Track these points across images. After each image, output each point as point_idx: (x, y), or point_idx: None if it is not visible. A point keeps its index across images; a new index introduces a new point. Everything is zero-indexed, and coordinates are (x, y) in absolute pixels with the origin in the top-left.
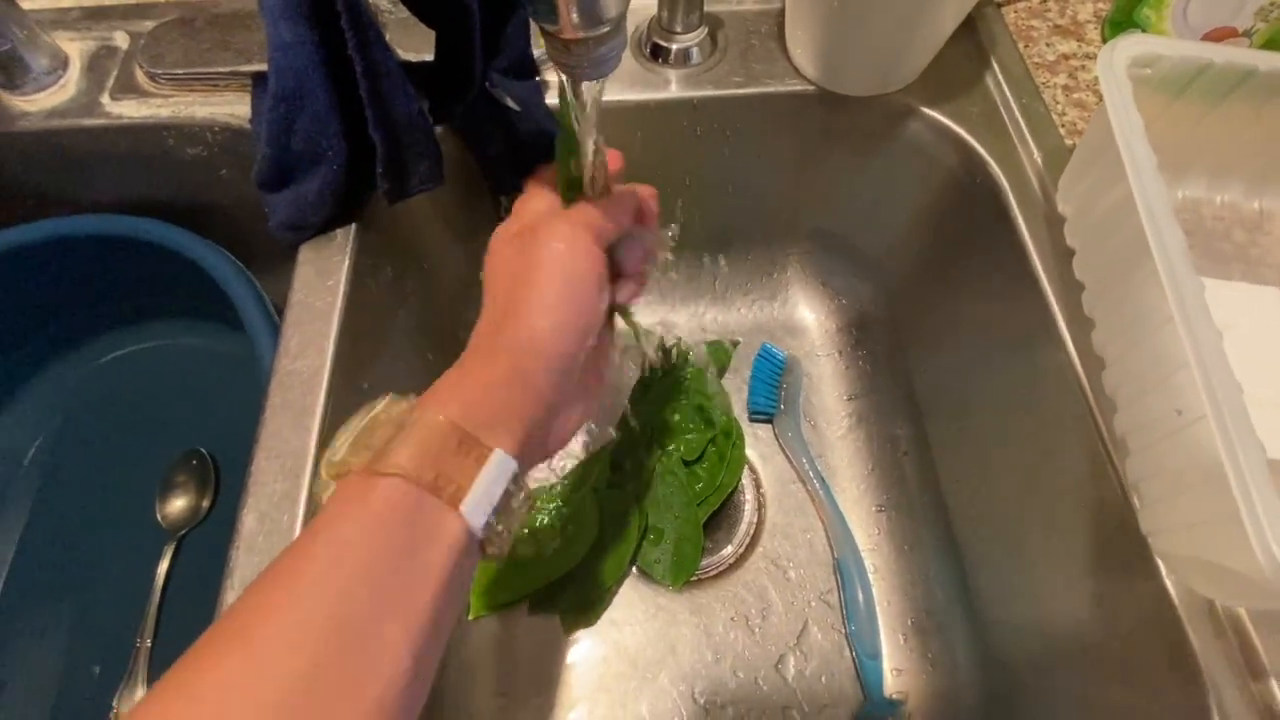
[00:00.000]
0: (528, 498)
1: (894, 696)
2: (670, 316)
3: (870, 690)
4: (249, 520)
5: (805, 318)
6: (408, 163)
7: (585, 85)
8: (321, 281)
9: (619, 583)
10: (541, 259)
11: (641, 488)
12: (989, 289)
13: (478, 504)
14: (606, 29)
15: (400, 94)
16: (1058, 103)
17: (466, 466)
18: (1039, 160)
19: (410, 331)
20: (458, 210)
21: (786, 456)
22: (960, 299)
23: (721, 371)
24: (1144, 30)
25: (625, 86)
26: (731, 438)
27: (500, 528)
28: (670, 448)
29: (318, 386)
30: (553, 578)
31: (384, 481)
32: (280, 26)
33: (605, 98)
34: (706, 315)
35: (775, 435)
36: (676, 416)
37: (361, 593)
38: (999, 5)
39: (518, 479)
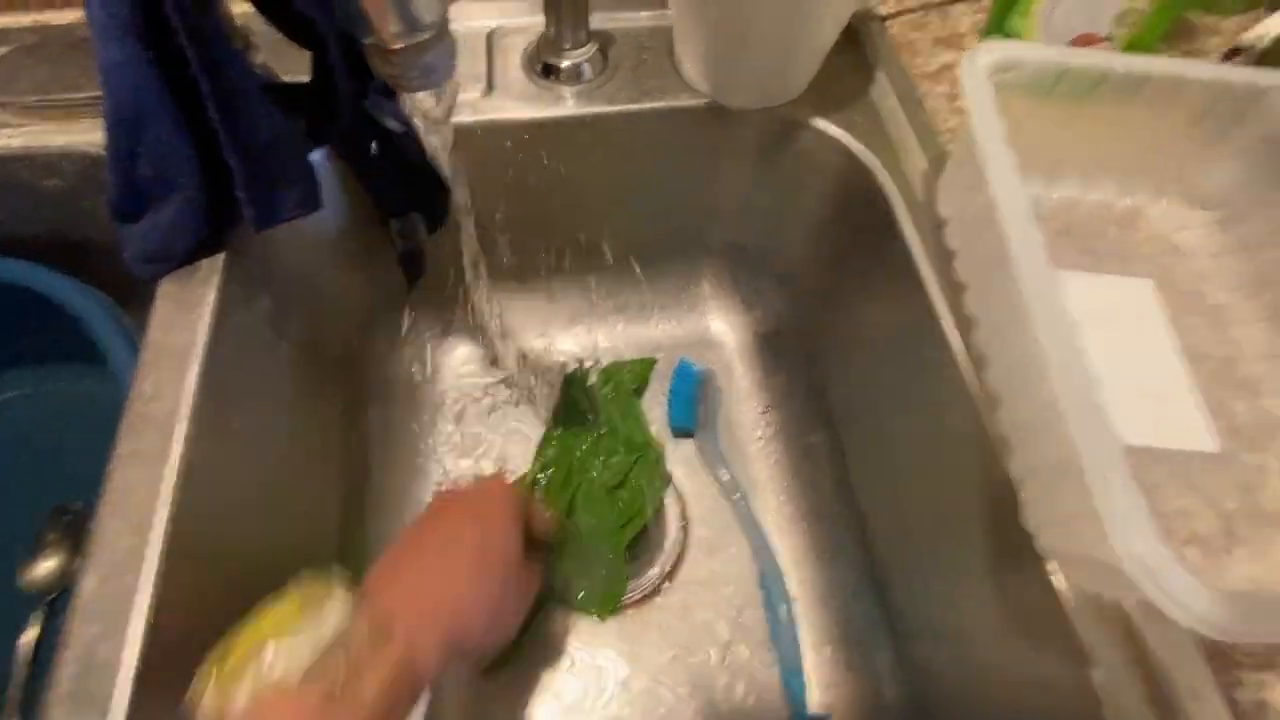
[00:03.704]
0: None
1: (818, 712)
2: (588, 337)
3: (795, 707)
4: (89, 583)
5: (721, 331)
6: (275, 188)
7: (422, 97)
8: (183, 317)
9: (534, 618)
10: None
11: (561, 518)
12: (884, 293)
13: None
14: (427, 35)
15: (261, 116)
16: (940, 111)
17: (408, 704)
18: (923, 166)
19: (296, 363)
20: (352, 234)
21: (709, 471)
22: (862, 305)
23: (641, 389)
24: (1016, 37)
25: (520, 104)
26: (652, 458)
27: None
28: (592, 475)
29: (172, 432)
30: None
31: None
32: (109, 45)
33: (498, 115)
34: (625, 333)
35: (697, 450)
36: (596, 442)
37: None
38: (883, 19)
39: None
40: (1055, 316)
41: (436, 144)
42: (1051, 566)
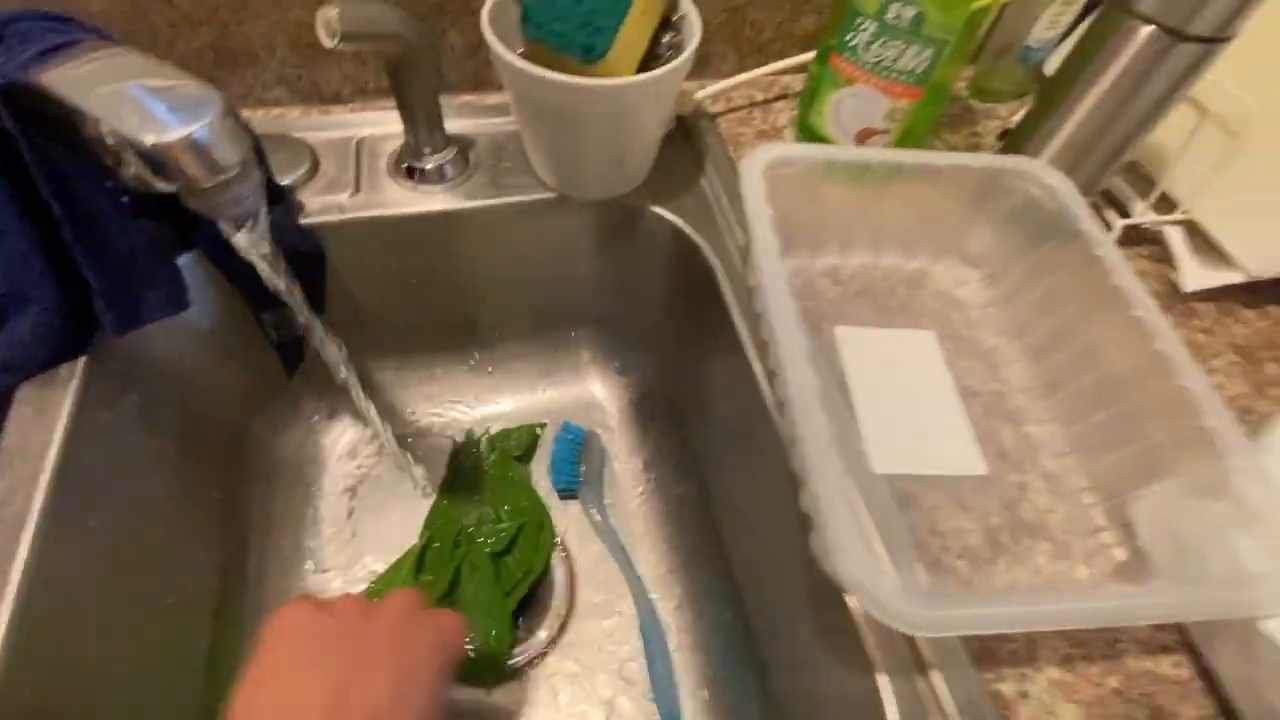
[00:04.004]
0: None
1: None
2: (478, 409)
3: None
4: None
5: (602, 395)
6: (138, 293)
7: (234, 223)
8: (39, 420)
9: None
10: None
11: (446, 590)
12: (719, 353)
13: None
14: (232, 174)
15: (116, 232)
16: None
17: None
18: (742, 243)
19: (169, 456)
20: (228, 325)
21: (595, 531)
22: (709, 365)
23: (529, 455)
24: (816, 132)
25: (391, 204)
26: (537, 522)
27: None
28: (479, 541)
29: (21, 533)
30: None
31: None
32: None
33: (367, 213)
34: (511, 403)
35: (582, 510)
36: (483, 509)
37: None
38: (713, 117)
39: None
40: (799, 369)
41: (258, 261)
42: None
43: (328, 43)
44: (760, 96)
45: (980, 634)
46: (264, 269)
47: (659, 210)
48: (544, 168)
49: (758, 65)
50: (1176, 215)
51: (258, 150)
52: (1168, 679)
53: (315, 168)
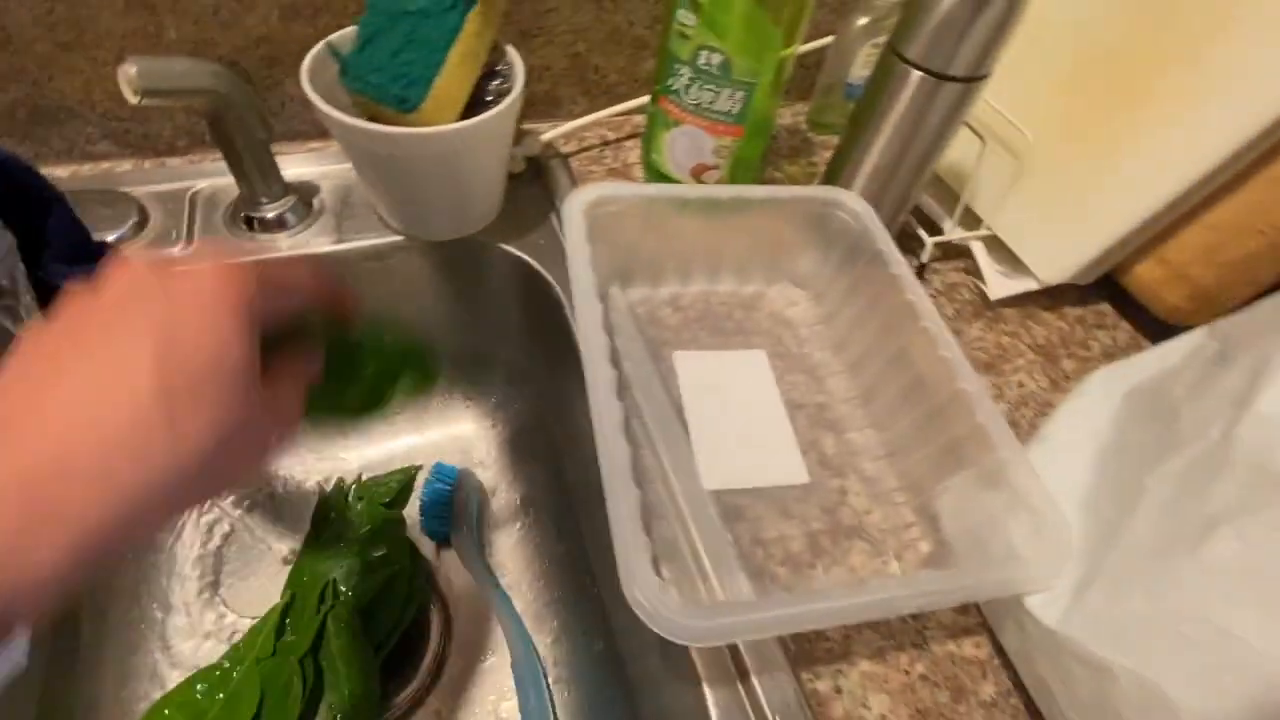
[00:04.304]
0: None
1: None
2: (344, 456)
3: None
4: None
5: (476, 434)
6: None
7: None
8: None
9: None
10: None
11: (307, 647)
12: (579, 386)
13: None
14: None
15: None
16: None
17: None
18: None
19: None
20: None
21: (473, 572)
22: (570, 397)
23: (404, 499)
24: (658, 169)
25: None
26: (410, 571)
27: None
28: (346, 594)
29: None
30: None
31: None
32: None
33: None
34: (382, 448)
35: (456, 553)
36: (351, 561)
37: None
38: (565, 157)
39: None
40: (604, 400)
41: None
42: None
43: (131, 99)
44: (612, 136)
45: (797, 633)
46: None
47: (508, 248)
48: (387, 211)
49: (607, 106)
50: (980, 231)
51: (59, 200)
52: (969, 659)
53: (144, 222)
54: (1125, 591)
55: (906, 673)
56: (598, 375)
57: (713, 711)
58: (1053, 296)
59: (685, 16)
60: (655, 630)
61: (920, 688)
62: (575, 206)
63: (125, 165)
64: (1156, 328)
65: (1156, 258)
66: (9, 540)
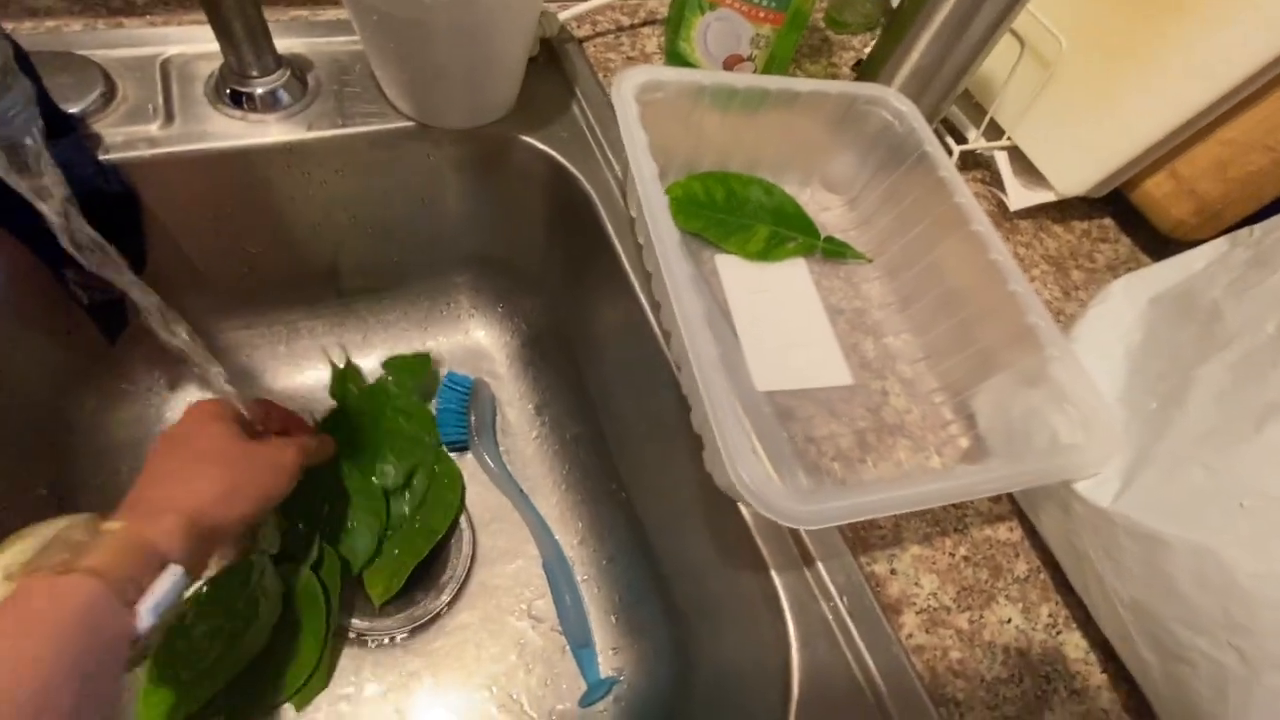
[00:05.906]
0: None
1: (609, 675)
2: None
3: (587, 676)
4: None
5: (486, 341)
6: None
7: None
8: None
9: (327, 642)
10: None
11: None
12: (605, 286)
13: (150, 610)
14: None
15: None
16: None
17: (148, 574)
18: (618, 172)
19: None
20: (24, 291)
21: (491, 479)
22: (596, 300)
23: (420, 386)
24: (685, 58)
25: (217, 136)
26: (441, 475)
27: (156, 631)
28: (373, 479)
29: None
30: (239, 669)
31: (76, 581)
32: None
33: (186, 147)
34: (386, 357)
35: (475, 460)
36: (371, 447)
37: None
38: (580, 41)
39: (186, 587)
40: (685, 295)
41: (39, 204)
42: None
43: None
44: (627, 21)
45: (854, 522)
46: (49, 213)
47: (530, 140)
48: (397, 93)
49: None
50: (1003, 142)
51: (22, 59)
52: (1004, 542)
53: (111, 93)
54: (1182, 472)
55: (951, 555)
56: (675, 270)
57: (782, 594)
58: (1061, 210)
59: None
60: (765, 514)
61: (964, 567)
62: (627, 90)
63: (76, 25)
64: (1155, 244)
65: (1168, 171)
66: (220, 502)
